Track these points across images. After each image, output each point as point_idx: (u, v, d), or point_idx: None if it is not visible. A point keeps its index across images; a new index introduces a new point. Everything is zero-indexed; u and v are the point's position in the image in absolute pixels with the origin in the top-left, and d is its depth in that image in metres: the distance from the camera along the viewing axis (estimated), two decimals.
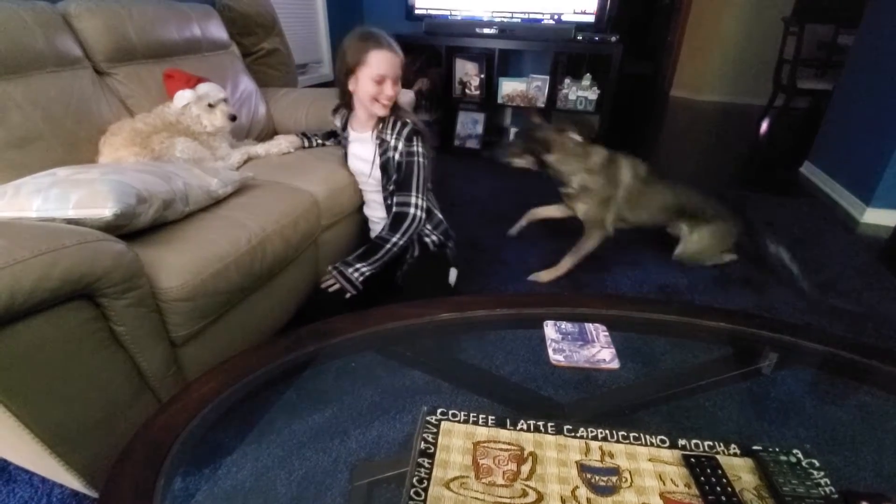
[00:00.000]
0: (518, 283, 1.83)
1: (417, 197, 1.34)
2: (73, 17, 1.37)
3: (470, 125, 3.26)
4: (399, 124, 1.33)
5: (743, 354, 0.98)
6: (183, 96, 1.44)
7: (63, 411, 0.82)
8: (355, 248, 1.65)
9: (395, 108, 1.35)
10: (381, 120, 1.35)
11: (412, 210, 1.33)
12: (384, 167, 1.37)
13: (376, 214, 1.53)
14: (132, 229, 1.00)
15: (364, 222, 1.66)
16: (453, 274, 1.49)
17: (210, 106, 1.47)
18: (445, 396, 0.83)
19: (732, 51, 5.24)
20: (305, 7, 2.87)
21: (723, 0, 5.08)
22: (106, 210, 0.92)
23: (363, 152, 1.43)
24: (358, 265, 1.30)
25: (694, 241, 1.85)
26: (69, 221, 0.92)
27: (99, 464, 0.90)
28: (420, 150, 1.33)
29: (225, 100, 1.52)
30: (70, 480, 0.90)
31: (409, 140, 1.32)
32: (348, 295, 1.30)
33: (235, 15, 1.82)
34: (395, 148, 1.33)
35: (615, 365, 0.80)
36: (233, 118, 1.51)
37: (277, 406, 0.82)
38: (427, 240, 1.43)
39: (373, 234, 1.57)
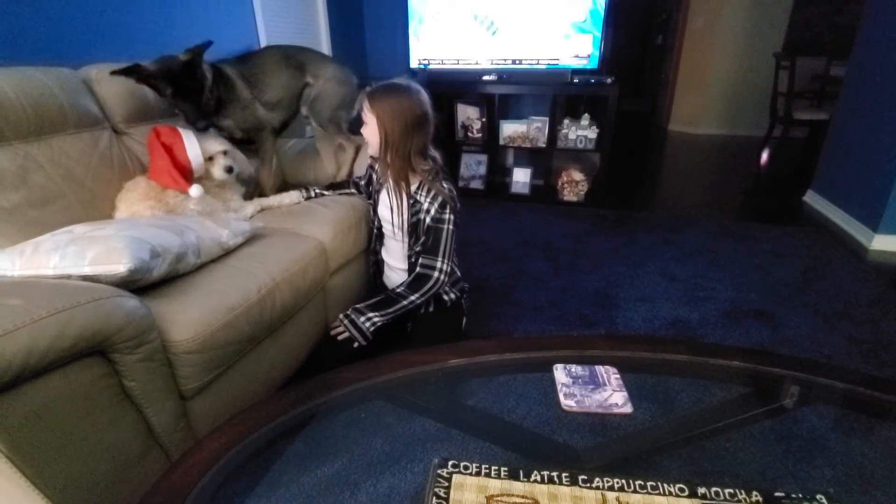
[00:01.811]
0: (528, 322, 1.82)
1: (443, 262, 1.35)
2: (94, 82, 1.45)
3: (473, 166, 3.33)
4: (434, 191, 1.34)
5: (760, 393, 0.96)
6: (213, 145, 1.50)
7: (72, 469, 0.82)
8: (363, 291, 1.68)
9: (436, 174, 1.36)
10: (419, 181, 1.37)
11: (436, 274, 1.35)
12: (413, 227, 1.38)
13: (394, 262, 1.54)
14: (145, 283, 1.02)
15: (371, 264, 1.67)
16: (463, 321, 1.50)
17: (210, 159, 1.48)
18: (455, 444, 0.81)
19: (727, 85, 5.38)
20: None
21: (714, 38, 5.26)
22: (121, 266, 0.94)
23: (395, 204, 1.41)
24: (370, 314, 1.30)
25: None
26: (85, 278, 0.94)
27: None
28: (451, 217, 1.35)
29: (224, 152, 1.51)
30: None
31: (442, 207, 1.33)
32: (356, 344, 1.29)
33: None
34: (428, 212, 1.34)
35: (628, 409, 0.78)
36: (229, 170, 1.50)
37: (286, 459, 0.81)
38: (445, 297, 1.44)
39: (387, 278, 1.58)
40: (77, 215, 1.25)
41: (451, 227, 1.36)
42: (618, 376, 0.84)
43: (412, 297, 1.34)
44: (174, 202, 1.36)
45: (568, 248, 2.46)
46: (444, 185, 1.35)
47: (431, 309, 1.45)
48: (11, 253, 0.98)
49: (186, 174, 1.40)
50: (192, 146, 1.42)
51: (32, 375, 0.74)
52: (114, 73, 1.39)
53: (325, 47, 3.06)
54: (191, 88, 1.47)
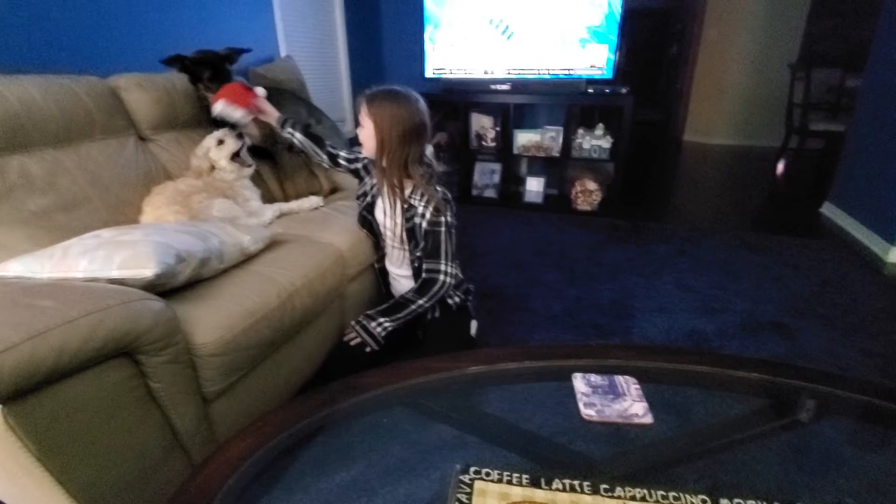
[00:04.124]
0: (544, 331, 1.82)
1: (447, 264, 1.36)
2: (123, 90, 1.49)
3: (487, 175, 3.35)
4: (427, 195, 1.34)
5: (779, 405, 0.95)
6: (210, 138, 1.55)
7: (98, 470, 0.83)
8: (378, 298, 1.68)
9: (430, 178, 1.36)
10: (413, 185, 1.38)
11: (441, 277, 1.35)
12: (411, 232, 1.39)
13: (397, 270, 1.55)
14: (170, 287, 1.04)
15: (377, 272, 1.66)
16: (474, 326, 1.50)
17: (220, 142, 1.55)
18: (472, 451, 0.81)
19: (742, 96, 5.36)
20: (330, 70, 3.07)
21: (728, 49, 5.26)
22: (148, 270, 0.96)
23: (389, 208, 1.45)
24: (381, 319, 1.31)
25: None
26: (112, 281, 0.96)
27: None
28: (447, 219, 1.35)
29: (236, 136, 1.59)
30: None
31: (436, 210, 1.34)
32: (369, 349, 1.30)
33: (269, 82, 1.95)
34: (423, 216, 1.35)
35: (649, 419, 0.78)
36: (235, 155, 1.57)
37: (304, 462, 0.81)
38: (450, 301, 1.45)
39: (393, 290, 1.59)
40: (103, 220, 1.29)
41: (448, 229, 1.36)
42: (637, 386, 0.84)
43: (420, 301, 1.34)
44: (198, 208, 1.38)
45: (582, 258, 2.46)
46: (438, 189, 1.35)
47: (437, 314, 1.45)
48: (41, 256, 1.00)
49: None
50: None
51: (63, 376, 0.76)
52: (164, 62, 1.56)
53: (342, 58, 3.11)
54: (225, 78, 1.59)
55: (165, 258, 1.00)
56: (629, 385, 0.84)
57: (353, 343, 1.31)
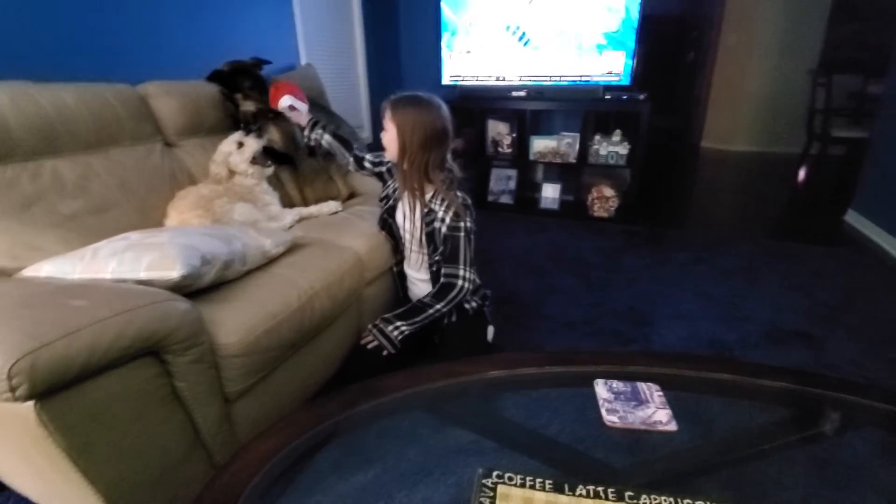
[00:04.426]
0: (561, 337, 1.81)
1: (466, 270, 1.36)
2: (151, 98, 1.53)
3: (503, 181, 3.35)
4: (448, 200, 1.35)
5: (805, 415, 0.93)
6: (228, 142, 1.59)
7: (123, 467, 0.85)
8: (394, 302, 1.69)
9: (451, 183, 1.37)
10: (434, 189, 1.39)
11: (460, 282, 1.36)
12: (430, 236, 1.40)
13: (415, 274, 1.55)
14: (195, 289, 1.06)
15: (396, 275, 1.67)
16: (491, 331, 1.49)
17: (240, 145, 1.58)
18: (490, 457, 0.81)
19: (761, 102, 5.28)
20: (348, 77, 3.11)
21: (747, 55, 5.19)
22: (174, 272, 0.98)
23: (409, 212, 1.46)
24: (398, 323, 1.32)
25: None
26: (140, 282, 0.98)
27: None
28: (467, 225, 1.35)
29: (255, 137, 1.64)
30: None
31: (456, 215, 1.34)
32: (385, 352, 1.31)
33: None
34: (443, 220, 1.35)
35: (673, 427, 0.77)
36: (253, 160, 1.60)
37: (321, 464, 0.82)
38: (467, 306, 1.45)
39: (411, 293, 1.60)
40: (131, 223, 1.32)
41: (467, 234, 1.36)
42: (661, 393, 0.83)
43: (438, 306, 1.35)
44: (220, 212, 1.41)
45: (599, 265, 2.44)
46: (458, 195, 1.36)
47: (454, 319, 1.45)
48: (72, 257, 1.03)
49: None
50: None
51: (93, 373, 0.77)
52: (207, 79, 1.69)
53: (360, 66, 3.16)
54: (263, 85, 1.69)
55: (191, 260, 1.02)
56: (652, 392, 0.83)
57: (370, 346, 1.32)
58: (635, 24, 2.71)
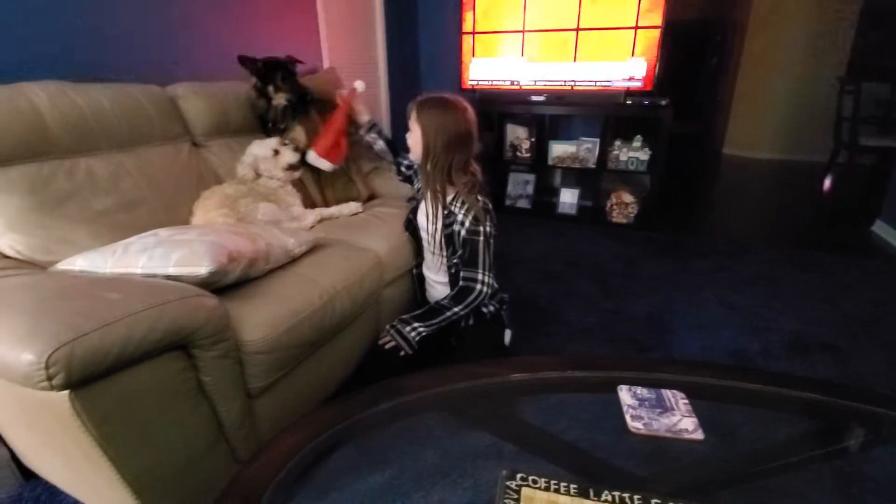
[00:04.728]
0: (578, 343, 1.79)
1: (485, 274, 1.36)
2: (180, 99, 1.57)
3: (521, 186, 3.34)
4: (468, 204, 1.35)
5: (833, 428, 0.91)
6: (260, 146, 1.61)
7: (151, 459, 0.87)
8: (412, 304, 1.70)
9: (472, 187, 1.38)
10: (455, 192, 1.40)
11: (478, 286, 1.35)
12: (449, 238, 1.40)
13: (433, 276, 1.56)
14: (221, 285, 1.08)
15: (415, 277, 1.68)
16: (508, 335, 1.49)
17: (276, 152, 1.61)
18: (507, 461, 0.80)
19: (786, 108, 5.18)
20: (370, 81, 3.13)
21: (772, 60, 5.11)
22: (202, 268, 1.00)
23: (431, 213, 1.47)
24: (416, 324, 1.32)
25: None
26: (169, 277, 1.01)
27: None
28: (486, 229, 1.35)
29: (285, 144, 1.68)
30: None
31: (475, 219, 1.34)
32: (403, 353, 1.31)
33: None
34: (462, 224, 1.36)
35: (699, 436, 0.76)
36: (291, 167, 1.65)
37: (338, 462, 0.82)
38: (484, 310, 1.44)
39: (429, 295, 1.60)
40: (159, 220, 1.35)
41: (486, 239, 1.36)
42: (686, 401, 0.82)
43: (455, 309, 1.35)
44: (245, 211, 1.44)
45: (618, 271, 2.42)
46: (479, 199, 1.36)
47: (471, 322, 1.45)
48: (104, 252, 1.06)
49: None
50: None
51: (125, 365, 0.79)
52: (239, 58, 1.72)
53: (381, 69, 3.19)
54: (293, 80, 1.75)
55: (219, 257, 1.04)
56: (677, 400, 0.81)
57: (387, 346, 1.32)
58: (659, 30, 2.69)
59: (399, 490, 0.77)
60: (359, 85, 1.68)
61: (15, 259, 1.11)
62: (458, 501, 0.72)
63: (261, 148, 1.60)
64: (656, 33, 2.70)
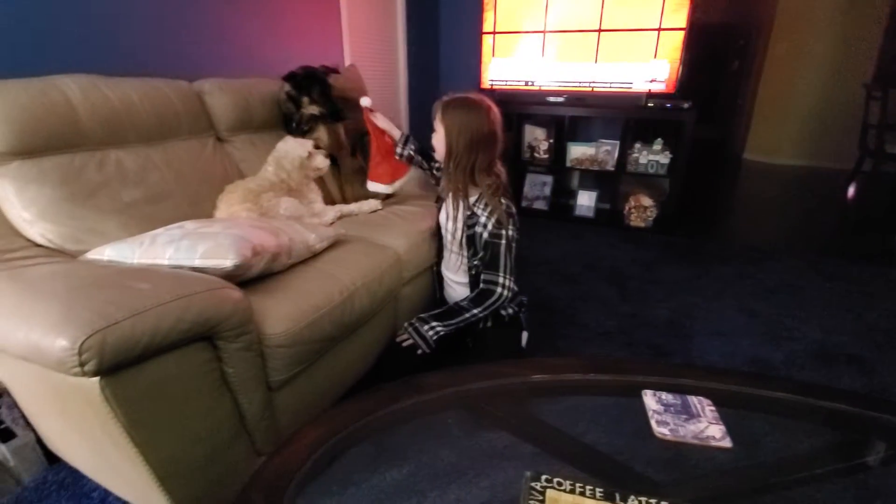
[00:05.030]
0: (596, 347, 1.78)
1: (505, 277, 1.35)
2: (206, 94, 1.59)
3: (538, 187, 3.33)
4: (491, 206, 1.34)
5: (860, 441, 0.88)
6: (293, 146, 1.63)
7: (176, 447, 0.88)
8: (430, 303, 1.70)
9: (496, 189, 1.37)
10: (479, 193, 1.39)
11: (499, 289, 1.35)
12: (470, 239, 1.40)
13: (452, 276, 1.55)
14: (245, 278, 1.10)
15: (434, 276, 1.68)
16: (524, 337, 1.48)
17: (309, 155, 1.63)
18: (524, 462, 0.80)
19: (810, 114, 5.08)
20: (389, 80, 3.15)
21: (797, 65, 5.01)
22: (227, 261, 1.02)
23: (452, 213, 1.46)
24: (434, 323, 1.32)
25: None
26: (194, 269, 1.02)
27: (199, 501, 0.94)
28: (508, 233, 1.34)
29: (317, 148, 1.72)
30: None
31: (498, 222, 1.33)
32: (420, 351, 1.31)
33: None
34: (485, 226, 1.35)
35: (727, 444, 0.74)
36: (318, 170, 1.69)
37: (356, 458, 0.82)
38: (503, 313, 1.44)
39: (447, 295, 1.60)
40: (184, 213, 1.37)
41: (508, 242, 1.35)
42: (713, 408, 0.80)
43: (475, 311, 1.34)
44: (267, 206, 1.45)
45: (636, 275, 2.39)
46: (503, 202, 1.35)
47: (490, 324, 1.44)
48: (132, 243, 1.08)
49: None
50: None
51: (153, 354, 0.81)
52: (283, 78, 1.80)
53: (401, 68, 3.20)
54: (328, 95, 1.80)
55: (243, 251, 1.05)
56: (703, 406, 0.80)
57: (405, 344, 1.33)
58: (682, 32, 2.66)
59: (415, 488, 0.77)
60: (364, 101, 1.67)
61: (46, 248, 1.13)
62: (474, 501, 0.72)
63: (294, 145, 1.61)
64: (680, 35, 2.67)
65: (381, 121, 1.66)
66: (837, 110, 4.87)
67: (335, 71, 1.88)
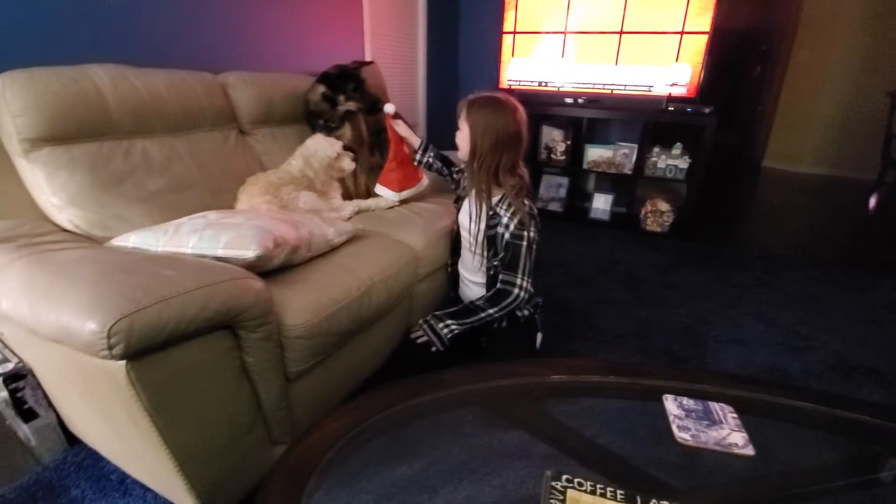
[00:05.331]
0: (610, 350, 1.77)
1: (523, 279, 1.35)
2: (231, 87, 1.61)
3: (553, 189, 3.31)
4: (514, 207, 1.34)
5: (881, 454, 0.87)
6: (322, 145, 1.65)
7: (196, 433, 0.89)
8: (444, 301, 1.70)
9: (520, 190, 1.36)
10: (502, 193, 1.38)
11: (516, 290, 1.34)
12: (491, 240, 1.39)
13: (469, 275, 1.55)
14: (265, 270, 1.11)
15: (449, 275, 1.68)
16: (539, 338, 1.48)
17: (338, 156, 1.66)
18: (535, 463, 0.79)
19: (833, 122, 4.99)
20: (409, 77, 3.16)
21: (820, 72, 4.93)
22: (250, 252, 1.03)
23: (475, 213, 1.44)
24: (449, 321, 1.32)
25: None
26: (217, 259, 1.03)
27: (215, 488, 0.95)
28: (530, 235, 1.34)
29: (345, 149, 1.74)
30: (184, 500, 0.96)
31: (520, 224, 1.33)
32: (434, 349, 1.31)
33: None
34: (507, 227, 1.34)
35: (750, 451, 0.74)
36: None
37: (368, 452, 0.83)
38: (519, 314, 1.43)
39: (462, 293, 1.60)
40: (206, 203, 1.39)
41: (529, 244, 1.34)
42: (735, 415, 0.79)
43: (490, 311, 1.34)
44: (287, 199, 1.47)
45: (652, 279, 2.37)
46: (525, 203, 1.34)
47: (505, 325, 1.44)
48: (157, 231, 1.10)
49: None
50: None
51: (178, 340, 0.82)
52: (317, 81, 1.82)
53: (420, 66, 3.20)
54: (363, 89, 1.84)
55: (265, 242, 1.06)
56: (725, 413, 0.79)
57: (419, 341, 1.33)
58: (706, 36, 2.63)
59: (427, 483, 0.77)
60: (388, 108, 1.66)
61: (73, 233, 1.16)
62: (486, 499, 0.72)
63: (328, 148, 1.63)
64: (703, 39, 2.64)
65: (401, 128, 1.67)
66: (861, 119, 4.78)
67: (367, 63, 1.90)
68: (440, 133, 3.35)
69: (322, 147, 1.61)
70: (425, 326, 1.33)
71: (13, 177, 1.15)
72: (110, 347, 0.71)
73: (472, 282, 1.53)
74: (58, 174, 1.14)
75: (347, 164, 1.68)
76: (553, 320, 1.90)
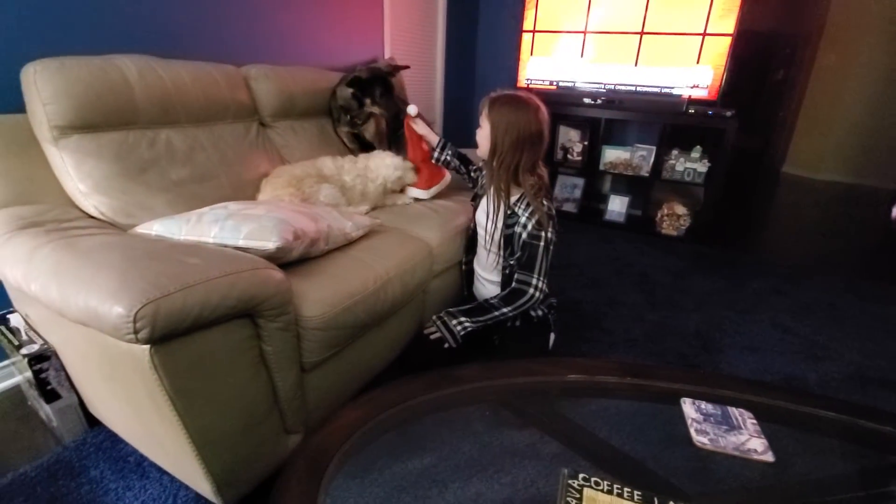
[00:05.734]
0: (622, 352, 1.75)
1: (539, 279, 1.34)
2: (252, 79, 1.63)
3: (568, 189, 3.29)
4: (533, 207, 1.33)
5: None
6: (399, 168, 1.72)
7: (214, 417, 0.91)
8: (458, 298, 1.71)
9: (539, 190, 1.35)
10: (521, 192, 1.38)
11: (531, 290, 1.34)
12: (508, 239, 1.38)
13: (484, 274, 1.55)
14: (284, 261, 1.12)
15: (463, 273, 1.68)
16: (552, 338, 1.48)
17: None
18: (546, 462, 0.79)
19: (856, 129, 4.89)
20: (426, 74, 3.16)
21: (845, 77, 4.83)
22: (270, 243, 1.04)
23: (492, 212, 1.43)
24: (462, 319, 1.32)
25: None
26: (238, 249, 1.05)
27: (230, 474, 0.97)
28: (548, 235, 1.33)
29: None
30: (200, 484, 0.98)
31: (539, 224, 1.32)
32: (447, 345, 1.31)
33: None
34: (525, 227, 1.33)
35: (769, 458, 0.73)
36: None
37: (379, 446, 0.83)
38: (533, 314, 1.43)
39: (476, 291, 1.60)
40: (226, 194, 1.41)
41: (546, 245, 1.33)
42: (754, 421, 0.79)
43: (504, 310, 1.34)
44: (309, 192, 1.48)
45: (665, 283, 2.35)
46: (544, 203, 1.34)
47: (518, 324, 1.44)
48: (179, 220, 1.12)
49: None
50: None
51: (200, 327, 0.83)
52: (347, 84, 1.84)
53: (438, 64, 3.20)
54: (391, 94, 1.87)
55: (285, 234, 1.07)
56: (744, 418, 0.79)
57: (432, 337, 1.33)
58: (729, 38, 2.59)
59: (437, 478, 0.78)
60: (411, 109, 1.68)
61: (98, 220, 1.18)
62: (495, 496, 0.72)
63: (393, 171, 1.72)
64: (727, 41, 2.60)
65: (420, 127, 1.68)
66: (885, 126, 4.68)
67: (403, 67, 1.92)
68: (457, 130, 3.35)
69: (385, 170, 1.69)
70: (438, 323, 1.33)
71: (43, 163, 1.17)
72: (136, 331, 0.73)
73: (487, 280, 1.53)
74: (85, 161, 1.16)
75: (411, 177, 1.75)
76: (564, 321, 1.89)
